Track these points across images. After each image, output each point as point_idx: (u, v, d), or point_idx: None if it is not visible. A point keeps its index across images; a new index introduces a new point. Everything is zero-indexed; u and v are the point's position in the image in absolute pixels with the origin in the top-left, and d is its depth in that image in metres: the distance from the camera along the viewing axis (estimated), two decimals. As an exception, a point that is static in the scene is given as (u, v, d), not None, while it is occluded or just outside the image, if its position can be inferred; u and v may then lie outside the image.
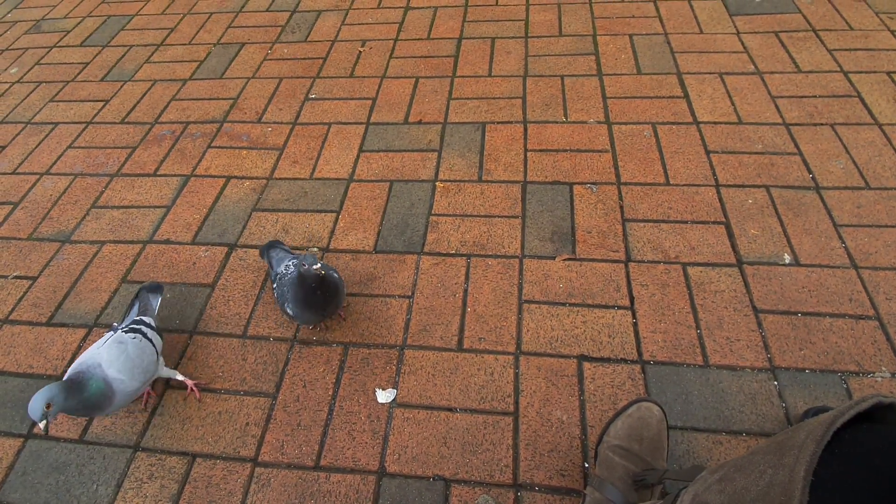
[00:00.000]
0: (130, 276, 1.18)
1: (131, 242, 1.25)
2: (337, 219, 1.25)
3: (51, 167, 1.47)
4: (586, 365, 0.97)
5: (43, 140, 1.56)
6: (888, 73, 1.46)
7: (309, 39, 1.82)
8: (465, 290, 1.09)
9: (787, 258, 1.08)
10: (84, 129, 1.58)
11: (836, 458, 0.30)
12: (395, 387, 0.96)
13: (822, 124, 1.34)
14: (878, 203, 1.16)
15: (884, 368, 0.92)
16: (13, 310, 1.15)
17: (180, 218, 1.29)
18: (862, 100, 1.39)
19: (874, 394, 0.33)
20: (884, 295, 1.01)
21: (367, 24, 1.86)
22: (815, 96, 1.41)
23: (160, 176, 1.40)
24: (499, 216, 1.22)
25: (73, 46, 1.94)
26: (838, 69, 1.48)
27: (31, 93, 1.76)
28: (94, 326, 1.10)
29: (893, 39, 1.56)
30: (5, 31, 2.10)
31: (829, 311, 1.00)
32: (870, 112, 1.36)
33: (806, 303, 1.01)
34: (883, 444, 0.30)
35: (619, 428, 0.78)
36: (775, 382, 0.92)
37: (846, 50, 1.54)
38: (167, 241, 1.24)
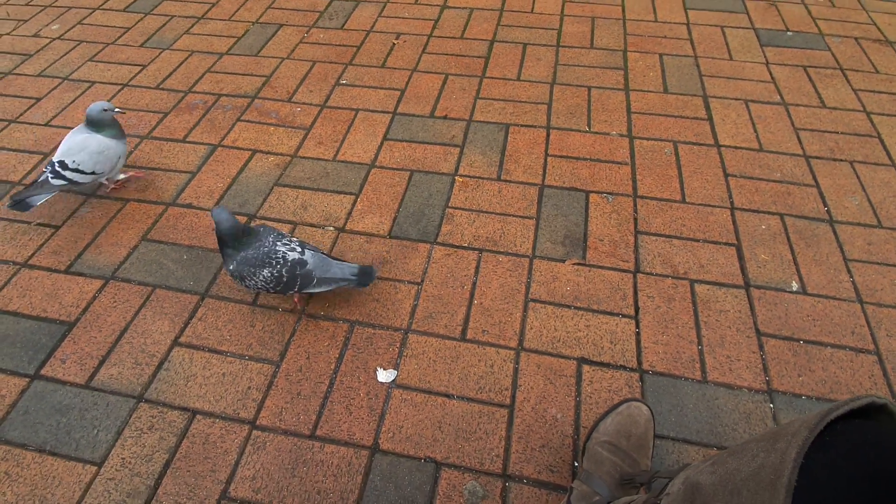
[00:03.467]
0: (150, 235, 1.21)
1: (154, 203, 1.28)
2: (355, 201, 1.27)
3: (83, 123, 1.51)
4: (585, 367, 0.98)
5: (78, 97, 1.60)
6: (913, 118, 1.47)
7: (345, 27, 1.85)
8: (474, 283, 1.11)
9: (795, 286, 1.10)
10: (119, 91, 1.62)
11: (827, 446, 0.32)
12: (396, 368, 0.98)
13: (841, 160, 1.35)
14: (888, 242, 1.17)
15: (880, 403, 0.93)
16: (33, 255, 1.18)
17: (204, 184, 1.32)
18: (882, 141, 1.40)
19: (870, 394, 0.34)
20: (885, 331, 1.02)
21: (403, 17, 1.90)
22: (837, 132, 1.42)
23: (188, 143, 1.43)
24: (513, 215, 1.24)
25: (116, 10, 1.99)
26: (861, 109, 1.49)
27: (70, 50, 1.80)
28: (111, 279, 1.13)
29: (921, 86, 1.58)
30: (51, -10, 2.15)
31: (830, 341, 1.01)
32: (888, 153, 1.37)
33: (809, 331, 1.02)
34: (872, 438, 0.32)
35: (609, 424, 0.80)
36: (771, 405, 0.93)
37: (870, 91, 1.55)
38: (189, 206, 1.27)
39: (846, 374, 0.97)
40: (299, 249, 1.00)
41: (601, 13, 1.89)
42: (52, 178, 1.16)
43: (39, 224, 1.24)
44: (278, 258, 0.98)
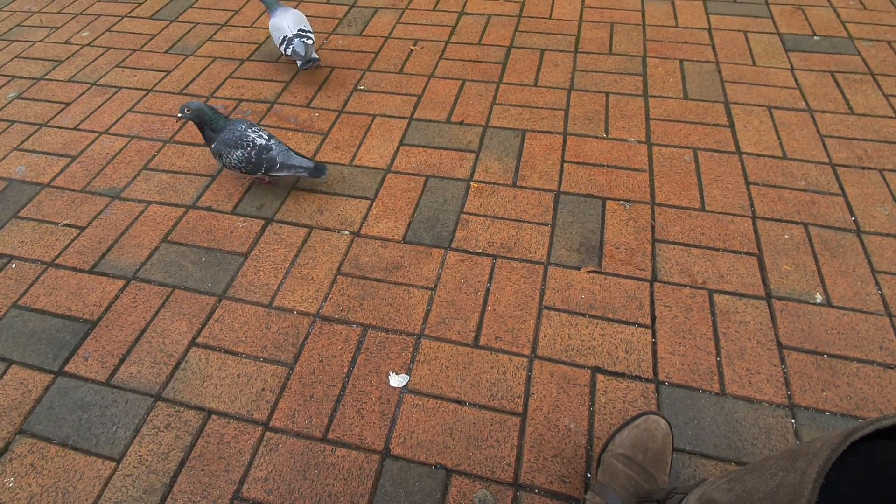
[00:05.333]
0: (171, 237, 1.24)
1: (175, 205, 1.31)
2: (371, 206, 1.28)
3: (110, 127, 1.56)
4: (600, 377, 0.97)
5: (105, 102, 1.65)
6: (947, 125, 1.42)
7: (364, 34, 1.87)
8: (488, 289, 1.11)
9: (819, 298, 1.06)
10: (145, 96, 1.66)
11: (850, 467, 0.30)
12: (408, 373, 0.98)
13: (870, 168, 1.31)
14: (921, 254, 1.13)
15: (909, 421, 0.89)
16: (60, 254, 1.21)
17: (224, 188, 1.34)
18: (915, 148, 1.36)
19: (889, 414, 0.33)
20: (917, 347, 0.98)
21: (421, 24, 1.91)
22: (866, 139, 1.38)
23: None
24: (529, 222, 1.23)
25: (142, 18, 2.05)
26: (893, 115, 1.45)
27: (99, 56, 1.86)
28: (132, 279, 1.16)
29: (956, 92, 1.52)
30: (82, -1, 2.22)
31: (857, 355, 0.98)
32: (923, 162, 1.32)
33: (834, 344, 0.99)
34: None
35: (625, 437, 0.78)
36: (792, 420, 0.90)
37: (904, 97, 1.50)
38: (209, 209, 1.30)
39: (873, 390, 0.93)
40: (266, 136, 1.23)
41: (620, 19, 1.87)
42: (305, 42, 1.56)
43: (66, 225, 1.28)
44: (249, 141, 1.21)
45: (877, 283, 1.08)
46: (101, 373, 1.00)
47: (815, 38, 1.74)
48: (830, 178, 1.29)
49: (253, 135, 1.22)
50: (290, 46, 1.56)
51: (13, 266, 1.20)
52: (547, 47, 1.77)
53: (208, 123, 1.21)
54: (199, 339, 1.05)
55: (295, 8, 2.02)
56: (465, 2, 2.02)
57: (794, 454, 0.34)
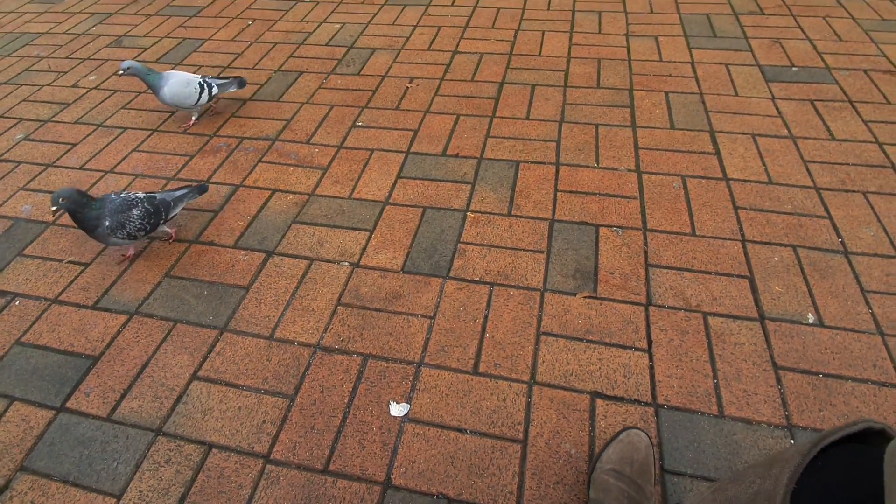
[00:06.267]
0: (173, 272, 1.26)
1: (178, 240, 1.34)
2: (370, 237, 1.31)
3: (115, 166, 1.60)
4: (599, 402, 0.97)
5: (111, 142, 1.70)
6: (925, 148, 1.47)
7: (362, 73, 1.95)
8: (486, 317, 1.12)
9: (811, 318, 1.08)
10: (149, 136, 1.72)
11: (821, 471, 0.32)
12: (408, 402, 0.99)
13: (853, 191, 1.35)
14: (908, 273, 1.16)
15: (907, 439, 0.90)
16: (63, 291, 1.23)
17: (226, 223, 1.38)
18: (896, 171, 1.40)
19: (866, 418, 0.34)
20: (911, 365, 1.00)
21: (416, 63, 1.99)
22: (848, 164, 1.43)
23: (212, 183, 1.50)
24: (524, 250, 1.26)
25: (148, 62, 2.13)
26: (873, 140, 1.50)
27: (105, 99, 1.92)
28: (135, 314, 1.17)
29: (932, 116, 1.58)
30: (89, 43, 2.32)
31: (851, 374, 0.99)
32: (904, 184, 1.36)
33: (828, 364, 1.00)
34: (866, 462, 0.32)
35: (612, 453, 0.81)
36: (791, 440, 0.90)
37: (882, 122, 1.56)
38: (211, 243, 1.33)
39: (869, 408, 0.94)
40: (140, 193, 1.25)
41: (607, 55, 1.96)
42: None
43: (71, 262, 1.31)
44: (134, 199, 1.21)
45: (867, 303, 1.10)
46: (103, 408, 1.01)
47: (793, 68, 1.81)
48: (816, 201, 1.33)
49: (130, 195, 1.22)
50: (212, 86, 1.64)
51: (17, 303, 1.21)
52: (538, 82, 1.84)
53: (87, 206, 1.15)
54: (201, 373, 1.05)
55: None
56: (459, 41, 2.11)
57: (770, 462, 0.36)
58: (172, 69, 2.04)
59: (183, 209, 1.39)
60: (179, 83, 1.60)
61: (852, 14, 2.10)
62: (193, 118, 1.73)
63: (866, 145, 1.49)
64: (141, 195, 1.23)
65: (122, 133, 1.75)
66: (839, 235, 1.24)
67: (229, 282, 1.23)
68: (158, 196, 1.26)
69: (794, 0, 2.23)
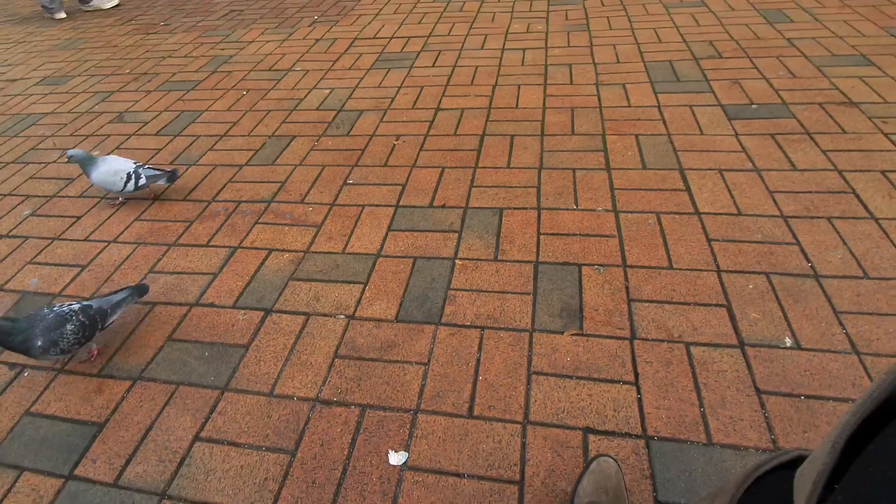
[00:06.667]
0: (175, 336, 1.31)
1: (179, 304, 1.39)
2: (364, 289, 1.37)
3: (118, 236, 1.68)
4: (591, 437, 1.00)
5: (114, 213, 1.79)
6: (882, 172, 1.56)
7: (351, 134, 2.07)
8: (478, 360, 1.17)
9: (789, 341, 1.13)
10: (151, 205, 1.80)
11: (757, 499, 0.36)
12: (406, 450, 1.01)
13: (818, 217, 1.43)
14: (877, 292, 1.21)
15: (891, 455, 0.93)
16: (69, 360, 1.27)
17: (225, 284, 1.44)
18: (857, 196, 1.49)
19: (798, 448, 0.38)
20: (887, 381, 1.03)
21: (402, 121, 2.12)
22: (811, 192, 1.51)
23: (211, 247, 1.58)
24: (512, 292, 1.32)
25: (149, 135, 2.26)
26: (833, 168, 1.60)
27: (109, 173, 2.02)
28: (138, 379, 1.21)
29: (887, 141, 1.69)
30: (92, 120, 2.45)
31: (832, 394, 1.03)
32: (865, 207, 1.45)
33: (808, 386, 1.04)
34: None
35: (587, 485, 0.84)
36: (780, 464, 0.93)
37: (840, 150, 1.67)
38: (211, 305, 1.38)
39: (852, 427, 0.97)
40: (71, 303, 1.20)
41: (579, 103, 2.09)
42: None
43: (76, 331, 1.35)
44: (66, 312, 1.16)
45: (841, 324, 1.16)
46: (109, 474, 1.03)
47: (753, 106, 1.94)
48: (784, 229, 1.41)
49: (64, 308, 1.17)
50: (140, 177, 1.70)
51: (26, 374, 1.25)
52: (516, 133, 1.96)
53: (10, 334, 1.09)
54: (203, 434, 1.08)
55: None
56: (441, 99, 2.25)
57: (714, 493, 0.40)
58: (171, 140, 2.16)
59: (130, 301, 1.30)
60: (108, 172, 1.70)
61: (804, 52, 2.26)
62: (119, 200, 1.82)
63: (826, 173, 1.58)
64: (76, 306, 1.18)
65: (123, 204, 1.83)
66: (808, 260, 1.31)
67: (229, 341, 1.27)
68: (95, 305, 1.21)
69: (749, 43, 2.40)
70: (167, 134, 2.24)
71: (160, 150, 2.13)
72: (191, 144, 2.13)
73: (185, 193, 1.84)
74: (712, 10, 2.79)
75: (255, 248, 1.55)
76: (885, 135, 1.72)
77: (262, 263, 1.49)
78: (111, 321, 1.25)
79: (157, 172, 1.74)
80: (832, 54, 2.22)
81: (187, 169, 1.98)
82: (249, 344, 1.26)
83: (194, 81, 2.70)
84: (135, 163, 1.73)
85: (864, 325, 1.15)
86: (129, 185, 1.70)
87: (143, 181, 1.71)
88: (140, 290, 1.34)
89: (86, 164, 1.71)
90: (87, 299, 1.25)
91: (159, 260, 1.55)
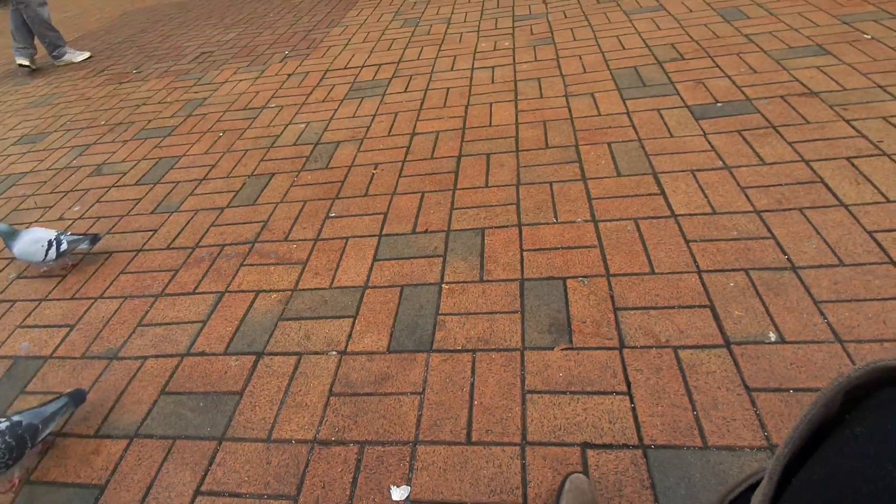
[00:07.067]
0: (168, 388, 1.30)
1: (170, 356, 1.39)
2: (354, 323, 1.38)
3: (104, 292, 1.67)
4: (590, 452, 1.01)
5: (99, 268, 1.79)
6: (848, 159, 1.61)
7: (329, 166, 2.09)
8: (472, 384, 1.17)
9: (773, 336, 1.15)
10: (135, 256, 1.80)
11: None
12: (408, 483, 1.02)
13: (790, 209, 1.46)
14: (853, 279, 1.24)
15: (882, 441, 0.94)
16: (65, 424, 1.26)
17: (214, 331, 1.44)
18: (826, 185, 1.53)
19: (764, 467, 0.40)
20: (871, 367, 1.06)
21: (378, 149, 2.14)
22: (781, 184, 1.55)
23: (198, 294, 1.58)
24: (500, 312, 1.33)
25: (128, 185, 2.26)
26: (800, 159, 1.64)
27: (90, 228, 2.03)
28: (135, 437, 1.20)
29: (849, 128, 1.74)
30: (71, 175, 2.46)
31: (819, 385, 1.04)
32: (834, 195, 1.49)
33: (796, 379, 1.06)
34: None
35: None
36: (775, 460, 0.94)
37: (805, 141, 1.71)
38: (202, 353, 1.38)
39: (842, 416, 0.99)
40: (2, 421, 1.11)
41: (551, 116, 2.13)
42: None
43: (68, 394, 1.34)
44: None
45: (821, 313, 1.18)
46: (110, 540, 1.02)
47: (718, 104, 1.99)
48: (758, 224, 1.44)
49: None
50: (62, 243, 1.69)
51: (18, 445, 1.24)
52: (492, 151, 1.99)
53: None
54: (204, 487, 1.08)
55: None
56: (415, 124, 2.29)
57: None
58: (150, 188, 2.17)
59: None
60: (29, 242, 1.69)
61: (762, 47, 2.33)
62: (43, 269, 1.80)
63: (794, 165, 1.62)
64: (2, 425, 1.10)
65: (108, 257, 1.83)
66: (784, 253, 1.34)
67: (223, 389, 1.27)
68: (24, 421, 1.12)
69: (709, 43, 2.47)
70: (146, 183, 2.25)
71: (140, 199, 2.13)
72: (171, 191, 2.14)
73: (168, 241, 1.84)
74: (671, 13, 2.87)
75: (243, 291, 1.55)
76: (847, 121, 1.77)
77: (251, 306, 1.49)
78: (43, 436, 1.14)
79: (78, 237, 1.75)
80: (789, 47, 2.29)
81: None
82: (243, 390, 1.26)
83: (170, 127, 2.71)
84: (57, 231, 1.74)
85: (843, 313, 1.17)
86: (50, 252, 1.69)
87: (64, 247, 1.71)
88: (76, 397, 1.23)
89: (7, 237, 1.71)
90: (17, 413, 1.15)
91: (147, 312, 1.55)
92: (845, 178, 1.54)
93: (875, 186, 1.48)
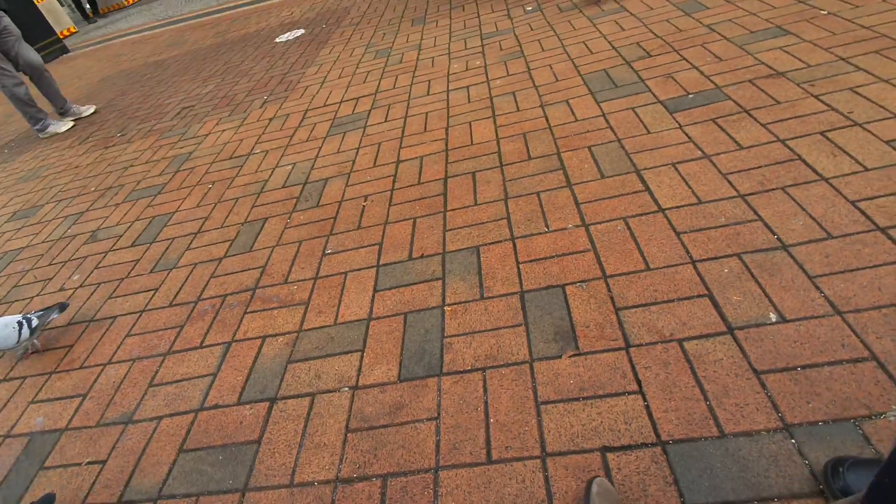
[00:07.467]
0: (186, 445, 1.31)
1: (185, 413, 1.40)
2: (362, 357, 1.39)
3: (112, 357, 1.68)
4: (610, 456, 1.02)
5: (104, 334, 1.80)
6: (821, 133, 1.64)
7: (320, 204, 2.13)
8: (486, 403, 1.18)
9: (773, 317, 1.17)
10: (138, 318, 1.82)
11: None
12: (435, 510, 1.02)
13: (773, 189, 1.49)
14: (843, 249, 1.27)
15: (894, 406, 0.96)
16: (88, 494, 1.26)
17: (226, 382, 1.44)
18: (804, 161, 1.56)
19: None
20: (874, 335, 1.08)
21: (366, 181, 2.18)
22: (761, 166, 1.59)
23: (205, 347, 1.59)
24: (504, 327, 1.35)
25: (124, 248, 2.29)
26: (776, 139, 1.68)
27: (91, 294, 2.04)
28: (158, 499, 1.20)
29: (818, 103, 1.78)
30: (67, 245, 2.48)
31: (825, 360, 1.06)
32: (814, 170, 1.52)
33: (801, 356, 1.08)
34: None
35: None
36: (793, 440, 0.95)
37: (778, 121, 1.75)
38: (216, 406, 1.38)
39: (852, 387, 1.00)
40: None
41: (529, 128, 2.18)
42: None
43: (90, 462, 1.34)
44: None
45: (817, 288, 1.20)
46: None
47: (689, 96, 2.04)
48: (744, 207, 1.47)
49: None
50: (31, 321, 1.71)
51: (43, 522, 1.23)
52: (477, 169, 2.03)
53: None
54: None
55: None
56: (399, 151, 2.33)
57: None
58: (147, 248, 2.20)
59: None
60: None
61: (724, 35, 2.40)
62: (19, 353, 1.81)
63: (771, 145, 1.66)
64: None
65: (112, 323, 1.84)
66: (774, 233, 1.36)
67: (241, 440, 1.27)
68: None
69: (673, 37, 2.53)
70: (142, 243, 2.28)
71: (138, 260, 2.16)
72: (167, 248, 2.17)
73: (170, 298, 1.86)
74: (633, 13, 2.95)
75: (249, 339, 1.56)
76: (815, 97, 1.81)
77: (259, 353, 1.50)
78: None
79: (45, 310, 1.79)
80: (750, 31, 2.35)
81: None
82: (261, 438, 1.26)
83: (160, 185, 2.75)
84: (21, 314, 1.81)
85: (839, 285, 1.19)
86: (23, 331, 1.70)
87: (35, 322, 1.73)
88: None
89: None
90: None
91: (156, 372, 1.56)
92: (822, 153, 1.57)
93: (851, 157, 1.52)
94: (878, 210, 1.33)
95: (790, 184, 1.50)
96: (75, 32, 9.74)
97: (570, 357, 1.22)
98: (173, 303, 1.84)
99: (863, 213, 1.34)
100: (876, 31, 2.04)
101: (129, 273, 2.10)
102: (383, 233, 1.84)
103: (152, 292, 1.93)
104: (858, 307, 1.13)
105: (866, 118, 1.64)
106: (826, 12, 2.30)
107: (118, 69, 5.89)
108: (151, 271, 2.06)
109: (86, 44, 8.29)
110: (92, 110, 4.33)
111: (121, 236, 2.39)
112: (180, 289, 1.89)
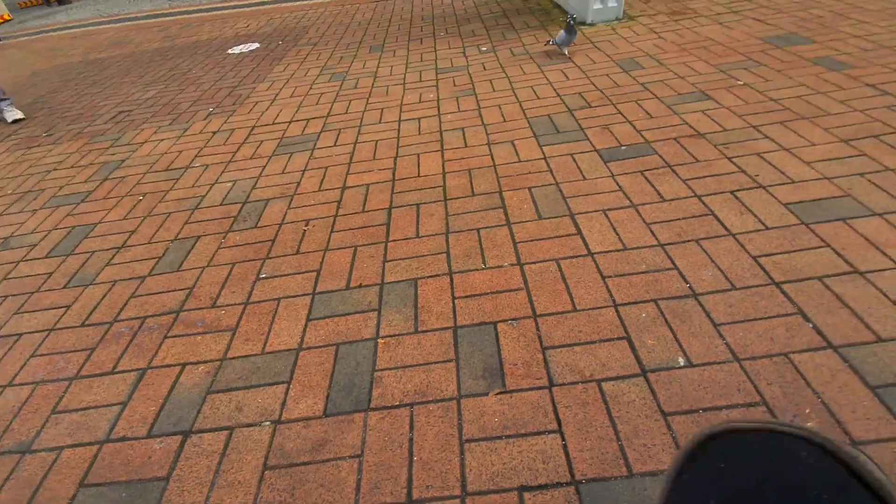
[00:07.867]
0: (87, 480, 1.21)
1: (88, 444, 1.29)
2: (288, 389, 1.35)
3: (13, 379, 1.54)
4: (527, 495, 1.04)
5: (7, 353, 1.64)
6: (732, 192, 1.82)
7: (259, 225, 2.08)
8: (411, 440, 1.18)
9: (682, 361, 1.26)
10: (46, 337, 1.68)
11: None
12: (350, 552, 1.00)
13: (688, 241, 1.63)
14: (744, 301, 1.39)
15: (779, 450, 1.05)
16: (-41, 540, 1.13)
17: (136, 412, 1.36)
18: (716, 216, 1.71)
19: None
20: (765, 381, 1.18)
21: (310, 205, 2.16)
22: (679, 219, 1.73)
23: (117, 373, 1.49)
24: (435, 362, 1.36)
25: (38, 259, 2.12)
26: (693, 194, 1.84)
27: (-7, 308, 1.87)
28: (45, 543, 1.09)
29: (731, 165, 1.97)
30: (-28, 251, 2.26)
31: (723, 403, 1.15)
32: (723, 226, 1.67)
33: (703, 399, 1.16)
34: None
35: None
36: (692, 481, 1.02)
37: (696, 178, 1.92)
38: (123, 438, 1.29)
39: (745, 431, 1.09)
40: None
41: (475, 164, 2.25)
42: None
43: (-36, 502, 1.21)
44: None
45: (720, 335, 1.31)
46: None
47: (622, 147, 2.20)
48: (662, 256, 1.58)
49: None
50: None
51: None
52: (421, 201, 2.06)
53: None
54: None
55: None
56: (346, 177, 2.33)
57: None
58: (63, 260, 2.05)
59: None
60: None
61: (656, 94, 2.61)
62: None
63: (689, 200, 1.81)
64: None
65: (17, 340, 1.69)
66: (686, 281, 1.48)
67: (147, 476, 1.19)
68: None
69: (611, 91, 2.73)
70: (58, 255, 2.12)
71: (51, 273, 2.00)
72: (85, 262, 2.03)
73: (83, 318, 1.73)
74: (577, 64, 3.16)
75: (167, 366, 1.48)
76: (729, 159, 2.01)
77: (176, 381, 1.43)
78: None
79: None
80: (678, 93, 2.58)
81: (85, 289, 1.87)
82: (170, 474, 1.19)
83: (84, 193, 2.59)
84: None
85: (738, 333, 1.31)
86: None
87: None
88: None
89: None
90: None
91: (61, 398, 1.44)
92: (731, 210, 1.73)
93: (755, 216, 1.68)
94: (775, 266, 1.48)
95: (703, 236, 1.64)
96: (9, 20, 9.07)
97: (496, 395, 1.25)
98: (86, 322, 1.71)
99: (762, 267, 1.48)
100: (781, 104, 2.31)
101: (39, 287, 1.94)
102: (322, 259, 1.82)
103: (63, 309, 1.79)
104: (754, 355, 1.25)
105: (769, 181, 1.83)
106: (742, 83, 2.57)
107: (52, 64, 5.53)
108: (65, 286, 1.91)
109: (20, 33, 7.74)
110: (19, 116, 3.90)
111: (35, 245, 2.22)
112: (95, 307, 1.77)
